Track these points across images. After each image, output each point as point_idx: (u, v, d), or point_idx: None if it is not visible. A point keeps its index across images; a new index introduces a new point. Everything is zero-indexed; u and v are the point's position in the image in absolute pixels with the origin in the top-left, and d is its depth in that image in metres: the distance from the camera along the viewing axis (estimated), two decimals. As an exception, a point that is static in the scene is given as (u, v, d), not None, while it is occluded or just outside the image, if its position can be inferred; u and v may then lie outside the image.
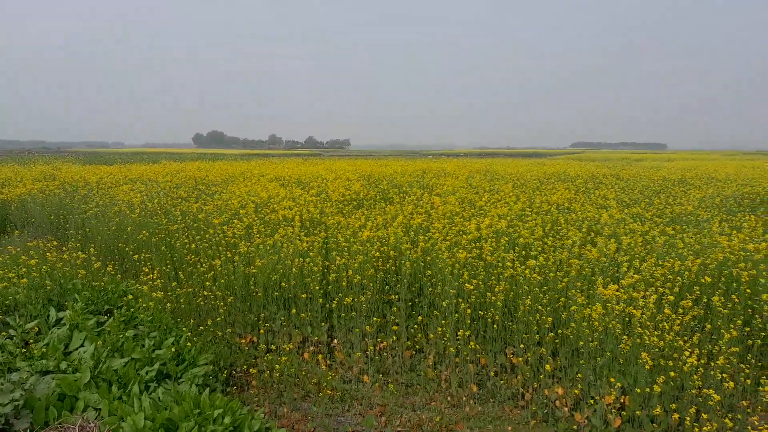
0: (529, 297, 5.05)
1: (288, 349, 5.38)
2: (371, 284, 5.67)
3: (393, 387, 5.03)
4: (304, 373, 5.15)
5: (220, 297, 5.91)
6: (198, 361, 4.76)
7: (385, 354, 5.51)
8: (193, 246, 7.06)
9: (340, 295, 5.68)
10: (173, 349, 4.70)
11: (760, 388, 4.40)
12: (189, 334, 5.10)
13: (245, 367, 5.27)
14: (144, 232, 7.91)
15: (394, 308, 5.61)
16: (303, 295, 5.68)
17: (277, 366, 5.01)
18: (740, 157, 46.92)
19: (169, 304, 6.15)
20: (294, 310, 5.59)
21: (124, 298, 5.78)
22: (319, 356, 5.33)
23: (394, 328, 5.47)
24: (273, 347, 5.48)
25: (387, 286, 5.96)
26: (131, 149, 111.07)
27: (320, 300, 5.64)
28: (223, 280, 6.02)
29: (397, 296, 5.73)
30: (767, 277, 5.51)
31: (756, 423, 4.07)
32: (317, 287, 5.65)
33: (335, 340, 5.64)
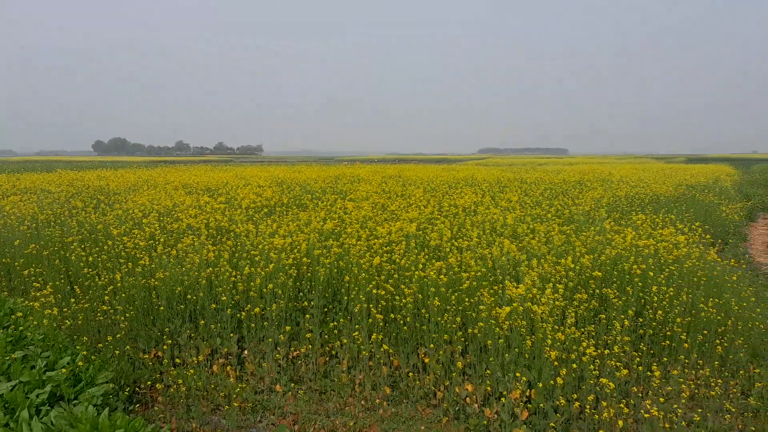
0: (437, 298, 5.18)
1: (195, 362, 5.19)
2: (282, 292, 5.59)
3: (304, 394, 4.97)
4: (213, 386, 4.98)
5: (120, 311, 5.60)
6: (96, 380, 4.48)
7: (298, 362, 5.44)
8: (91, 259, 6.65)
9: (249, 305, 5.55)
10: (68, 369, 4.39)
11: (649, 373, 4.77)
12: (85, 352, 4.79)
13: (149, 383, 5.02)
14: (33, 245, 7.35)
15: (308, 315, 5.56)
16: (213, 306, 5.51)
17: (180, 381, 4.81)
18: (632, 161, 50.59)
19: (67, 321, 5.75)
20: (202, 322, 5.40)
21: (12, 317, 5.34)
22: (228, 368, 5.18)
23: (308, 335, 5.42)
24: (179, 361, 5.26)
25: (300, 294, 5.90)
26: (22, 158, 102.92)
27: (229, 310, 5.49)
28: (123, 294, 5.71)
29: (310, 303, 5.68)
30: (656, 269, 5.98)
31: (648, 407, 4.38)
32: (225, 297, 5.49)
33: (246, 351, 5.50)
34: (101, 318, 5.72)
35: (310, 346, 5.43)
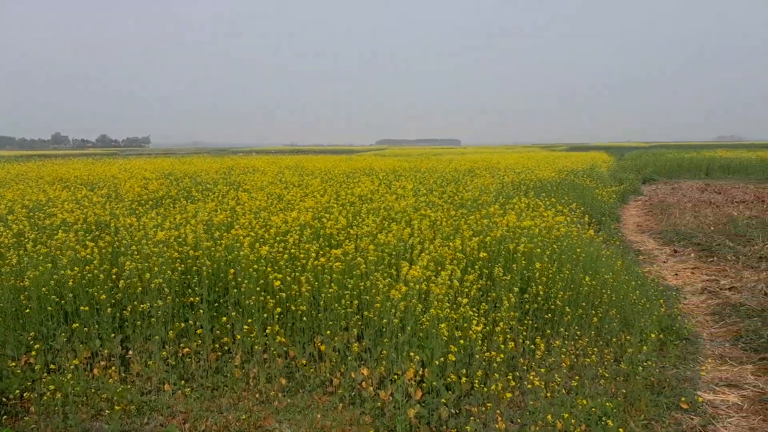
0: (333, 285, 5.16)
1: (72, 366, 4.80)
2: (168, 288, 5.31)
3: (194, 392, 4.77)
4: (93, 390, 4.64)
5: (-16, 317, 5.06)
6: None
7: (188, 359, 5.21)
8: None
9: (134, 303, 5.23)
10: None
11: (533, 346, 5.05)
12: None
13: (18, 392, 4.59)
14: None
15: (200, 311, 5.33)
16: (84, 308, 5.11)
17: (52, 387, 4.43)
18: (519, 150, 53.34)
19: None
20: (75, 325, 5.00)
21: None
22: (111, 370, 4.85)
23: (198, 331, 5.20)
24: (54, 367, 4.85)
25: (188, 289, 5.64)
26: None
27: (110, 309, 5.13)
28: (-14, 298, 5.17)
29: (199, 298, 5.45)
30: (541, 247, 6.33)
31: (532, 378, 4.63)
32: (104, 296, 5.12)
33: (131, 351, 5.18)
34: (-40, 326, 5.14)
35: (200, 343, 5.22)
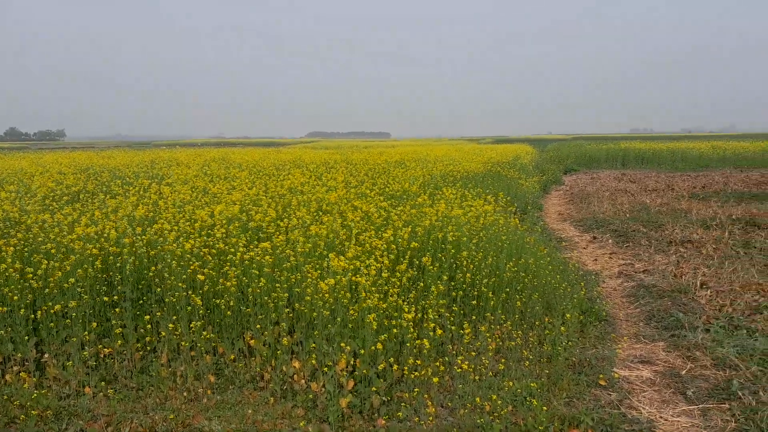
0: (262, 278, 5.08)
1: (-19, 373, 4.50)
2: (86, 286, 5.06)
3: (117, 393, 4.58)
4: (6, 397, 4.37)
5: None
6: None
7: (110, 360, 4.99)
8: None
9: (49, 303, 4.94)
10: None
11: (461, 331, 5.17)
12: None
13: None
14: None
15: (118, 309, 5.11)
16: (3, 308, 4.79)
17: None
18: (447, 143, 54.30)
19: None
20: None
21: None
22: (24, 375, 4.57)
23: (119, 330, 4.98)
24: (-41, 375, 4.52)
25: (109, 286, 5.39)
26: None
27: (22, 311, 4.82)
28: None
29: (121, 296, 5.22)
30: (468, 236, 6.48)
31: (460, 362, 4.75)
32: (16, 297, 4.81)
33: (47, 355, 4.89)
34: None
35: (123, 342, 5.00)
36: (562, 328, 5.61)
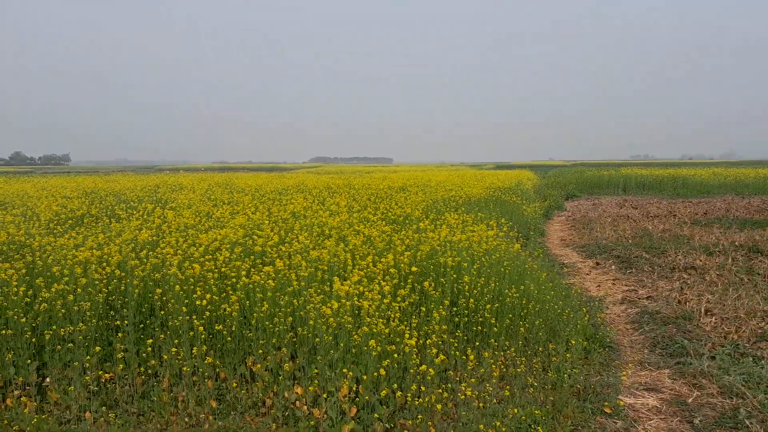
0: (265, 302, 5.07)
1: (-19, 398, 4.47)
2: (90, 310, 5.05)
3: (118, 418, 4.54)
4: (6, 422, 4.33)
5: None
6: None
7: (112, 385, 4.95)
8: None
9: (54, 327, 4.92)
10: None
11: (464, 358, 5.14)
12: None
13: None
14: None
15: (120, 334, 5.10)
16: (9, 331, 4.78)
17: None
18: (449, 168, 54.57)
19: None
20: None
21: None
22: (25, 399, 4.53)
23: (120, 355, 4.95)
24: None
25: (112, 311, 5.39)
26: None
27: (28, 334, 4.81)
28: None
29: (124, 321, 5.20)
30: (469, 261, 6.48)
31: (464, 389, 4.71)
32: (24, 319, 4.80)
33: (48, 378, 4.86)
34: None
35: (125, 367, 4.97)
36: (567, 354, 5.57)
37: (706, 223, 16.57)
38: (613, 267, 11.05)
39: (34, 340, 4.92)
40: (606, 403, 4.93)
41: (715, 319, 7.19)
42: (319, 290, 5.44)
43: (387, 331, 4.86)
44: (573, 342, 5.82)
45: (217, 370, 5.09)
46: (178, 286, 5.25)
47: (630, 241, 13.61)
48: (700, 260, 10.91)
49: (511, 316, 5.93)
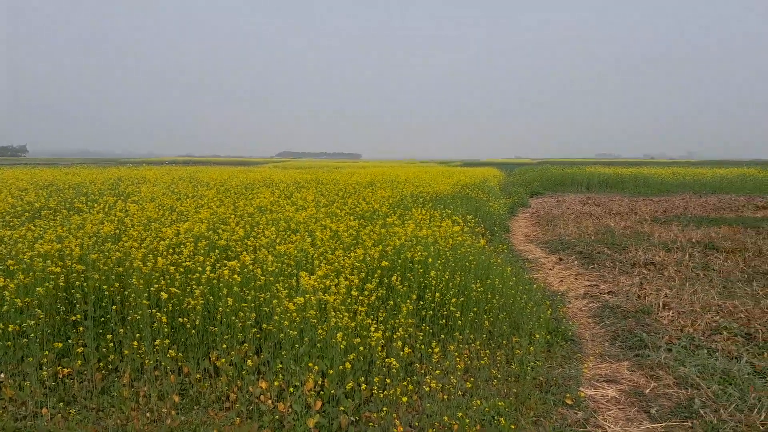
0: (230, 298, 5.02)
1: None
2: (44, 304, 4.91)
3: (77, 413, 4.43)
4: (-43, 420, 4.18)
5: None
6: None
7: (69, 381, 4.83)
8: None
9: (4, 322, 4.76)
10: None
11: (430, 351, 5.18)
12: None
13: None
14: None
15: (81, 328, 4.97)
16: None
17: None
18: (417, 164, 54.79)
19: None
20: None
21: None
22: (-22, 396, 4.39)
23: (79, 350, 4.83)
24: None
25: (71, 305, 5.25)
26: None
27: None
28: None
29: (82, 315, 5.08)
30: (435, 256, 6.52)
31: (428, 381, 4.74)
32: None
33: (2, 374, 4.71)
34: None
35: (83, 362, 4.85)
36: (530, 347, 5.67)
37: (665, 221, 17.05)
38: (575, 262, 11.28)
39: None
40: (567, 395, 5.04)
41: (673, 313, 7.41)
42: (285, 285, 5.40)
43: (353, 324, 4.86)
44: (536, 335, 5.93)
45: (180, 364, 5.02)
46: (137, 279, 5.14)
47: (592, 237, 13.91)
48: (660, 256, 11.23)
49: (475, 309, 6.00)
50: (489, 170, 36.69)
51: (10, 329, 4.64)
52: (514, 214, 20.08)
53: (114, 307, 5.12)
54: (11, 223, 7.72)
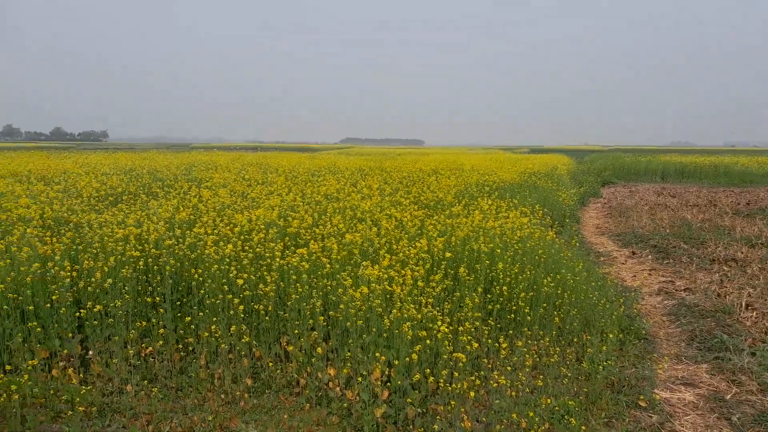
0: (299, 284, 5.12)
1: (30, 367, 4.63)
2: (127, 287, 5.18)
3: (158, 392, 4.67)
4: (52, 392, 4.49)
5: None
6: None
7: (151, 360, 5.09)
8: None
9: (90, 302, 5.06)
10: None
11: (497, 346, 5.12)
12: None
13: (-29, 395, 4.40)
14: None
15: (161, 310, 5.22)
16: (47, 305, 4.94)
17: (14, 387, 4.27)
18: (481, 151, 53.98)
19: None
20: (32, 324, 4.82)
21: None
22: (70, 371, 4.70)
23: (161, 331, 5.08)
24: (9, 368, 4.66)
25: (149, 287, 5.52)
26: None
27: (64, 309, 4.95)
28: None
29: (161, 298, 5.33)
30: (503, 248, 6.42)
31: (496, 377, 4.69)
32: (56, 296, 4.94)
33: (91, 351, 5.03)
34: None
35: (163, 342, 5.10)
36: (602, 345, 5.50)
37: (748, 214, 16.07)
38: (649, 257, 10.82)
39: (78, 313, 5.06)
40: (641, 397, 4.86)
41: (756, 314, 6.99)
42: (351, 274, 5.47)
43: (419, 316, 4.86)
44: (608, 333, 5.74)
45: (253, 349, 5.19)
46: (216, 265, 5.33)
47: (668, 230, 13.29)
48: (742, 252, 10.60)
49: (545, 305, 5.87)
50: (558, 157, 35.66)
51: (96, 309, 4.94)
52: (585, 204, 19.46)
53: (200, 291, 5.32)
54: (96, 207, 8.17)
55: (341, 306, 4.90)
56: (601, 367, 5.20)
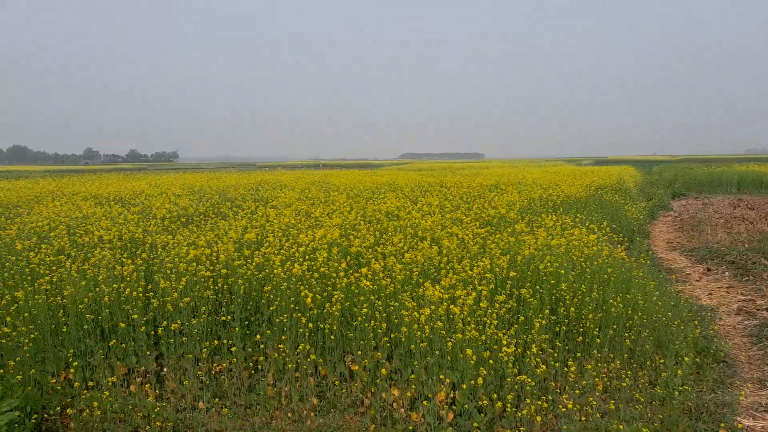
0: (365, 305, 5.18)
1: (110, 383, 4.90)
2: (198, 305, 5.40)
3: (228, 410, 4.82)
4: (130, 407, 4.72)
5: (24, 333, 5.18)
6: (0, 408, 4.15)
7: (221, 377, 5.27)
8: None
9: (165, 322, 5.30)
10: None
11: (566, 369, 4.99)
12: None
13: (59, 408, 4.69)
14: None
15: (235, 329, 5.40)
16: (122, 324, 5.22)
17: (95, 403, 4.53)
18: (544, 164, 52.93)
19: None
20: (113, 341, 5.10)
21: None
22: (147, 387, 4.93)
23: (233, 349, 5.25)
24: (92, 384, 4.95)
25: (221, 307, 5.72)
26: None
27: (143, 327, 5.22)
28: (26, 314, 5.30)
29: (230, 317, 5.52)
30: (567, 268, 6.27)
31: (565, 401, 4.57)
32: (136, 316, 5.21)
33: (165, 368, 5.26)
34: (3, 341, 5.28)
35: (233, 360, 5.27)
36: (677, 369, 5.25)
37: (837, 227, 14.98)
38: (726, 273, 10.27)
39: (152, 332, 5.32)
40: (722, 424, 4.60)
41: None
42: (413, 294, 5.47)
43: (483, 338, 4.81)
44: (684, 356, 5.48)
45: (319, 367, 5.27)
46: (285, 284, 5.47)
47: (746, 245, 12.57)
48: (831, 269, 9.90)
49: (615, 326, 5.67)
50: (625, 169, 34.48)
51: (173, 327, 5.17)
52: (654, 218, 18.70)
53: (270, 309, 5.47)
54: (169, 228, 8.56)
55: (403, 328, 4.91)
56: (676, 392, 4.97)
